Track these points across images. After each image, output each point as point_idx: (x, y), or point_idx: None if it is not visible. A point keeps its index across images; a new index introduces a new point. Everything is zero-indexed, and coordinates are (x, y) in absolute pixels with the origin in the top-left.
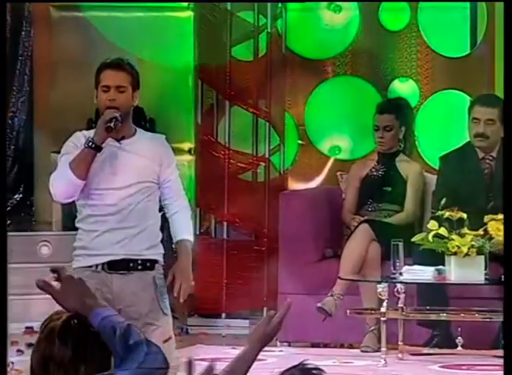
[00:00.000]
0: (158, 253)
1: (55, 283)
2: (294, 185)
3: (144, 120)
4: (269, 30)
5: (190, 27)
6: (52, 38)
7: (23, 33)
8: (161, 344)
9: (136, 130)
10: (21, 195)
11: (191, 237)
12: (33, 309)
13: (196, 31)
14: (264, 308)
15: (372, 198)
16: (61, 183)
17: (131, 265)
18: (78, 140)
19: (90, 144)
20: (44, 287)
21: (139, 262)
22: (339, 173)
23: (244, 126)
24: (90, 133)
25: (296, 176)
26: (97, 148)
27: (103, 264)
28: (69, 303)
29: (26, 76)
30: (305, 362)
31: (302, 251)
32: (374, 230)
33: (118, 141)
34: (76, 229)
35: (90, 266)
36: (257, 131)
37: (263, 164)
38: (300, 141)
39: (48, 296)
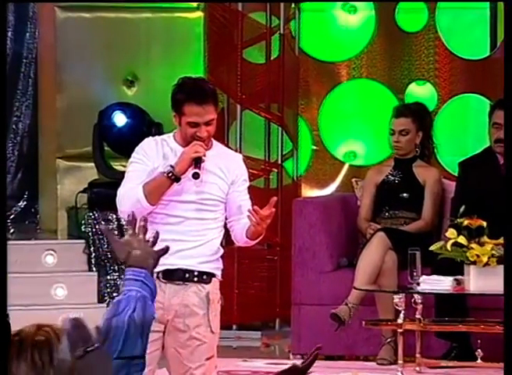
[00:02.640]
0: (216, 267)
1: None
2: (308, 192)
3: (151, 125)
4: (282, 32)
5: (199, 29)
6: (58, 40)
7: (27, 34)
8: (203, 361)
9: (213, 144)
10: (25, 203)
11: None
12: (39, 319)
13: (206, 33)
14: (277, 320)
15: (389, 206)
16: (130, 204)
17: (187, 275)
18: (149, 147)
19: (170, 174)
20: (106, 232)
21: (195, 273)
22: (354, 180)
23: (256, 131)
24: (164, 140)
25: (309, 182)
26: (177, 180)
27: (158, 272)
28: (118, 251)
29: (30, 80)
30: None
31: (316, 260)
32: (390, 238)
33: None
34: (81, 238)
35: None
36: (269, 136)
37: (275, 170)
38: (313, 147)
39: (52, 306)
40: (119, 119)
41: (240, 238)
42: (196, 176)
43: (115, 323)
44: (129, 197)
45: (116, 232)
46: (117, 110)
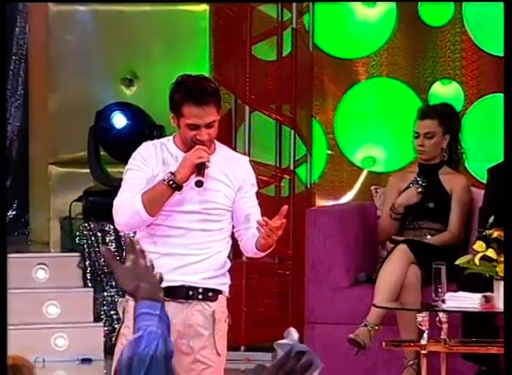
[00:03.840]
0: (223, 283)
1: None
2: (322, 201)
3: (152, 127)
4: (294, 26)
5: (205, 23)
6: (50, 35)
7: (17, 29)
8: None
9: (216, 148)
10: (15, 212)
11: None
12: (30, 339)
13: (212, 27)
14: None
15: (412, 216)
16: (128, 215)
17: (190, 293)
18: (148, 153)
19: (171, 182)
20: (108, 257)
21: (200, 290)
22: (373, 187)
23: (266, 135)
24: (163, 144)
25: (324, 190)
26: (178, 188)
27: None
28: (125, 282)
29: (20, 78)
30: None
31: (331, 275)
32: (413, 251)
33: None
34: (76, 251)
35: None
36: (280, 140)
37: (287, 177)
38: (329, 151)
39: (47, 325)
40: (119, 120)
41: (250, 249)
42: (199, 184)
43: (136, 362)
44: (127, 207)
45: (114, 245)
46: (116, 111)
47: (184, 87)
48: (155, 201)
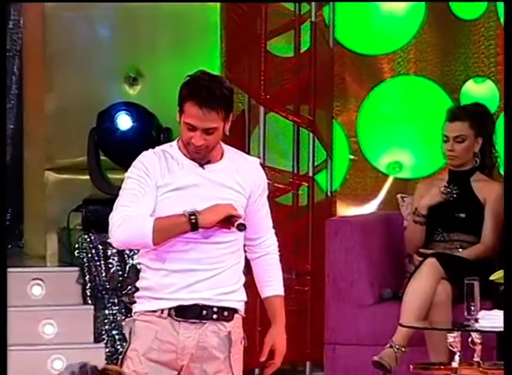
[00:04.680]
0: (238, 301)
1: None
2: (344, 210)
3: (159, 130)
4: (313, 19)
5: (215, 17)
6: (47, 29)
7: (10, 23)
8: None
9: (224, 152)
10: (8, 223)
11: (283, 291)
12: (24, 362)
13: (223, 21)
14: (308, 363)
15: (442, 227)
16: (131, 235)
17: (204, 313)
18: (150, 163)
19: (193, 217)
20: None
21: (214, 310)
22: (399, 196)
23: (283, 138)
24: (166, 152)
25: (346, 199)
26: (196, 228)
27: (170, 309)
28: None
29: (14, 77)
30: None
31: (354, 291)
32: (443, 265)
33: (201, 165)
34: (74, 265)
35: (155, 311)
36: (298, 144)
37: (306, 184)
38: (351, 156)
39: (43, 346)
40: (124, 121)
41: (257, 284)
42: (242, 228)
43: None
44: (133, 226)
45: (116, 258)
46: (121, 111)
47: (194, 83)
48: (166, 231)
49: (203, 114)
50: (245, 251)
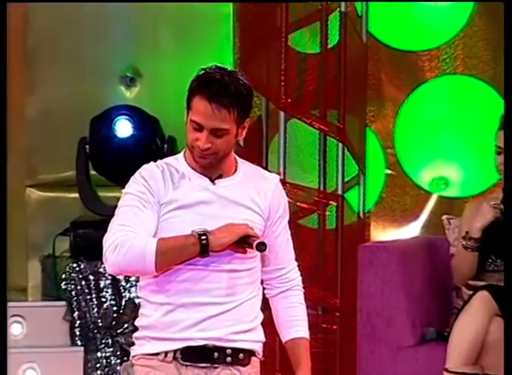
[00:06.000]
0: (256, 341)
1: None
2: (379, 235)
3: (160, 138)
4: (343, 9)
5: (227, 7)
6: (29, 24)
7: None
8: None
9: (238, 165)
10: None
11: (308, 333)
12: None
13: (237, 12)
14: None
15: (495, 254)
16: (130, 256)
17: (216, 355)
18: (153, 176)
19: (204, 237)
20: None
21: (227, 352)
22: (445, 217)
23: (307, 149)
24: (170, 166)
25: (382, 221)
26: (206, 251)
27: (175, 351)
28: None
29: None
30: None
31: (391, 330)
32: (497, 300)
33: (211, 180)
34: (61, 299)
35: (157, 354)
36: (325, 156)
37: (334, 204)
38: (387, 171)
39: None
40: (123, 128)
41: (277, 325)
42: (263, 248)
43: None
44: (133, 247)
45: (110, 291)
46: (121, 116)
47: (206, 75)
48: (172, 254)
49: (212, 110)
50: (263, 287)
